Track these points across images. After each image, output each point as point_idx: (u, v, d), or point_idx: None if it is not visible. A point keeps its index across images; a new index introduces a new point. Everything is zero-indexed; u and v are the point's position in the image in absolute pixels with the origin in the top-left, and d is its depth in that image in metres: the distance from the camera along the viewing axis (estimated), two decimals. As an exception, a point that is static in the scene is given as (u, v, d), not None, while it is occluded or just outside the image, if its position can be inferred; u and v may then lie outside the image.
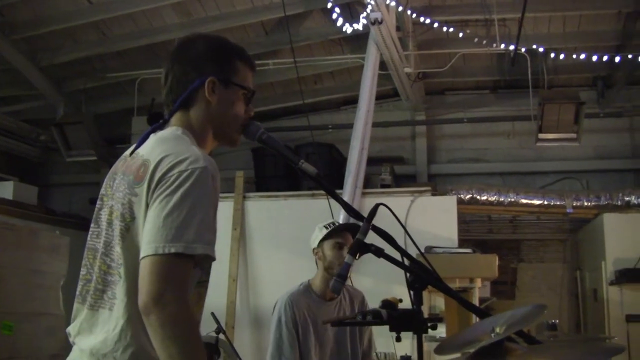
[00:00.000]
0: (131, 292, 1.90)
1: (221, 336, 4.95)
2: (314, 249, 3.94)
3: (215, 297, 6.75)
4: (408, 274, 2.23)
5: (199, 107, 2.11)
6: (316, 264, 3.99)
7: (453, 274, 5.80)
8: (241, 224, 7.14)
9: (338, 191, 6.48)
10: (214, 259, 1.91)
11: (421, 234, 6.56)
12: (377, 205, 2.28)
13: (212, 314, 5.06)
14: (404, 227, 2.34)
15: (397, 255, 2.22)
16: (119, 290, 1.93)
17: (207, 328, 5.21)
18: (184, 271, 1.83)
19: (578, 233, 8.93)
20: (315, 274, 3.98)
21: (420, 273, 2.23)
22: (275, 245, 7.12)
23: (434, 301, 6.23)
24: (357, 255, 2.22)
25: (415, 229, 6.60)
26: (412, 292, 2.23)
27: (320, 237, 3.90)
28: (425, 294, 5.99)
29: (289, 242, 7.02)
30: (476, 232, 8.95)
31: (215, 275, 6.61)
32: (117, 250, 1.96)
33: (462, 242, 7.11)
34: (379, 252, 2.24)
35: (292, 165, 2.23)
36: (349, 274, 2.33)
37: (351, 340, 4.00)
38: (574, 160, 8.60)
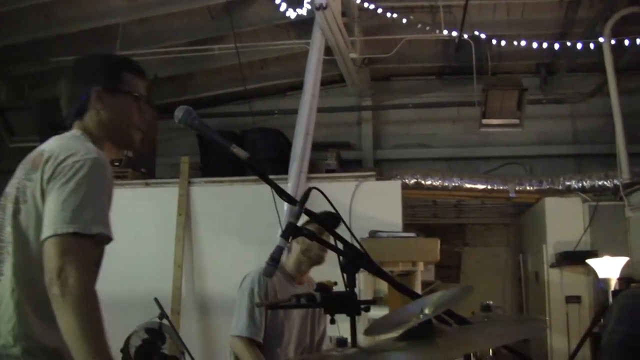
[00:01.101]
0: (17, 268, 2.06)
1: (164, 321, 4.92)
2: None
3: (160, 283, 6.72)
4: (341, 257, 2.25)
5: (90, 115, 2.32)
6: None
7: (396, 258, 5.86)
8: (186, 209, 7.11)
9: (284, 176, 6.55)
10: (111, 239, 2.05)
11: (366, 219, 6.62)
12: (309, 189, 2.30)
13: (155, 299, 5.05)
14: (335, 210, 2.36)
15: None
16: (6, 267, 2.08)
17: (150, 313, 5.20)
18: (83, 249, 1.97)
19: (521, 217, 9.10)
20: (287, 256, 4.02)
21: (353, 256, 2.25)
22: (221, 230, 7.10)
23: (378, 285, 6.28)
24: (290, 238, 2.23)
25: (360, 214, 6.67)
26: (345, 275, 2.25)
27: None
28: (369, 278, 6.04)
29: (235, 227, 7.02)
30: (421, 216, 9.06)
31: (160, 261, 6.61)
32: (8, 230, 2.11)
33: (408, 227, 7.19)
34: (311, 236, 2.26)
35: (224, 150, 2.24)
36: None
37: (311, 325, 4.07)
38: (517, 146, 8.74)
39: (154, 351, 5.33)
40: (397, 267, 5.79)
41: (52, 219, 1.96)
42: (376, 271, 2.32)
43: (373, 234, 6.33)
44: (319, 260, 3.97)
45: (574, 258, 7.07)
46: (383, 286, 6.25)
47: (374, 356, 1.95)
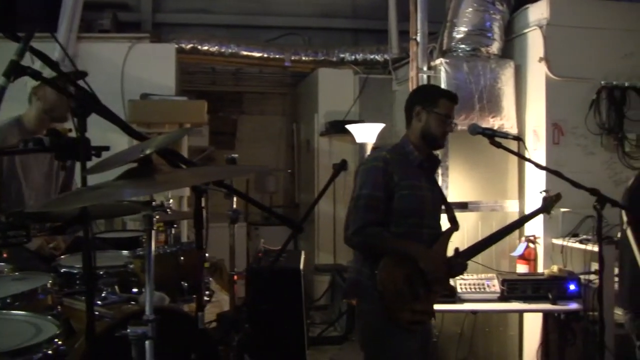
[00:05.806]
0: None
1: None
2: (33, 87, 3.82)
3: None
4: (72, 101, 2.21)
5: None
6: (29, 100, 3.87)
7: (163, 119, 5.88)
8: None
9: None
10: None
11: (139, 82, 6.54)
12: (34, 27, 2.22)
13: None
14: (71, 58, 2.30)
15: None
16: None
17: None
18: None
19: (297, 87, 9.33)
20: (28, 109, 3.89)
21: (84, 99, 2.22)
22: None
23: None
24: (12, 78, 2.16)
25: (133, 76, 6.55)
26: (76, 120, 2.22)
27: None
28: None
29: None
30: (200, 83, 9.03)
31: None
32: None
33: (185, 93, 7.17)
34: (36, 75, 2.20)
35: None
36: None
37: (56, 173, 4.01)
38: (298, 17, 8.79)
39: None
40: (164, 129, 5.79)
41: None
42: (106, 115, 2.31)
43: (144, 97, 6.27)
44: (62, 120, 3.89)
45: (342, 127, 7.37)
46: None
47: (93, 192, 1.98)
